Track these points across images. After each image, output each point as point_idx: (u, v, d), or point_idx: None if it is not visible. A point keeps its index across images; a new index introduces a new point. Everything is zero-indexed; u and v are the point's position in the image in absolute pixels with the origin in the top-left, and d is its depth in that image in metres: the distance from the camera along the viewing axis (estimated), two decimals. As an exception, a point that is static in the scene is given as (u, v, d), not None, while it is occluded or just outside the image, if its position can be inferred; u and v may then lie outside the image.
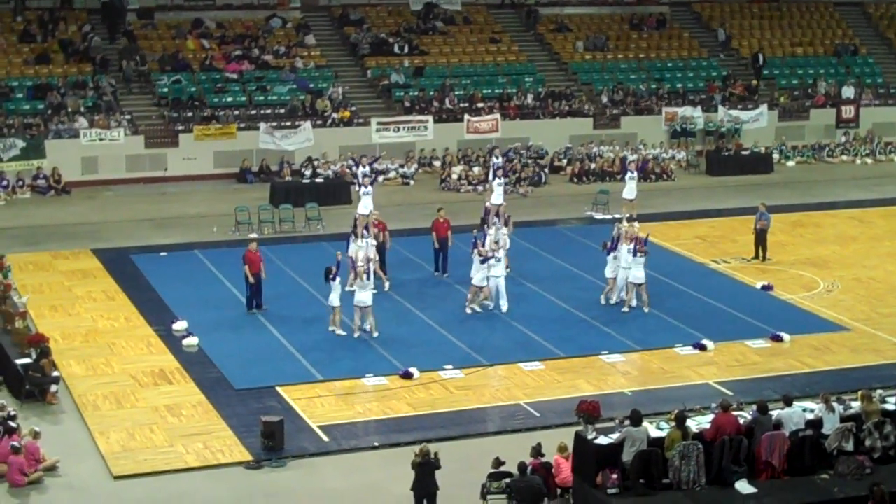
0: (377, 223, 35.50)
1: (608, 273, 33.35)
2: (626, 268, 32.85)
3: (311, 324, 31.92)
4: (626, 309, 33.01)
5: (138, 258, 37.92)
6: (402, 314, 32.68)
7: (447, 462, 21.67)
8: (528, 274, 35.74)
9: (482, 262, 32.63)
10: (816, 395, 24.43)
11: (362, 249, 32.96)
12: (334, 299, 31.01)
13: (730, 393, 27.01)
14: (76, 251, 38.62)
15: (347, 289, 32.10)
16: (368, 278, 31.02)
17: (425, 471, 21.23)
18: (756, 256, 38.21)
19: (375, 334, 30.90)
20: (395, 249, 36.46)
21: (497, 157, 38.78)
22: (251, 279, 32.76)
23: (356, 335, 30.83)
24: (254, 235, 39.29)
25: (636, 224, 34.69)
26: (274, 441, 24.43)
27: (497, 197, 37.06)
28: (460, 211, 39.24)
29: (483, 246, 33.06)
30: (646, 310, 32.97)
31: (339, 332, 31.10)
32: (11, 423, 24.28)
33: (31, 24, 52.51)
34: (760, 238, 38.25)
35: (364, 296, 30.81)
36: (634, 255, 32.55)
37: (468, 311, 32.85)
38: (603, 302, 33.46)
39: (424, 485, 21.25)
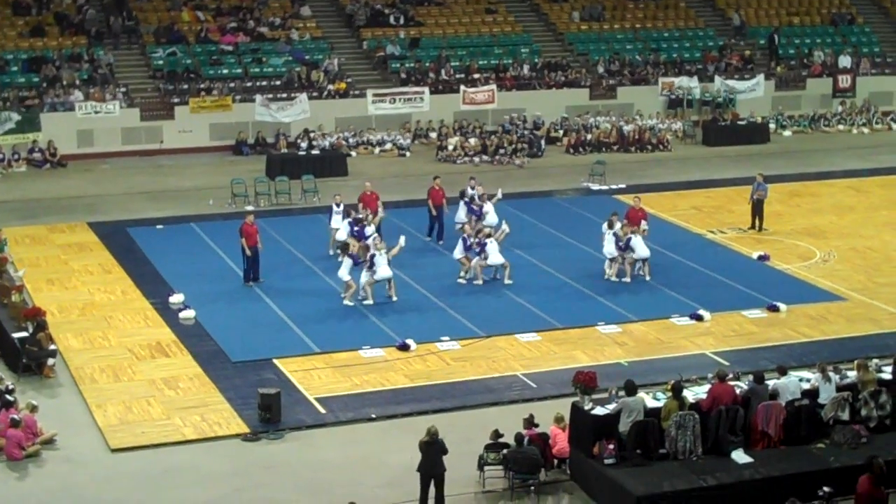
0: (371, 193, 35.55)
1: (613, 252, 33.29)
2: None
3: (307, 296, 31.93)
4: (627, 279, 33.11)
5: (134, 231, 37.90)
6: (398, 286, 32.59)
7: (444, 433, 21.69)
8: (524, 245, 35.71)
9: (466, 247, 32.80)
10: (813, 365, 24.56)
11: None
12: (344, 274, 31.14)
13: (726, 363, 27.02)
14: (72, 224, 38.60)
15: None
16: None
17: (432, 451, 21.09)
18: (753, 226, 38.21)
19: (395, 298, 31.39)
20: (390, 221, 36.42)
21: (473, 189, 36.68)
22: (248, 251, 32.76)
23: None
24: (250, 208, 39.30)
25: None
26: (271, 413, 24.45)
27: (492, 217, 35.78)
28: (456, 182, 39.16)
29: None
30: (647, 278, 33.09)
31: (348, 302, 31.29)
32: (9, 397, 24.32)
33: (26, -4, 52.39)
34: (757, 208, 38.23)
35: (385, 270, 31.11)
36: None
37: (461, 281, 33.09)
38: (616, 279, 33.35)
39: (431, 465, 21.06)
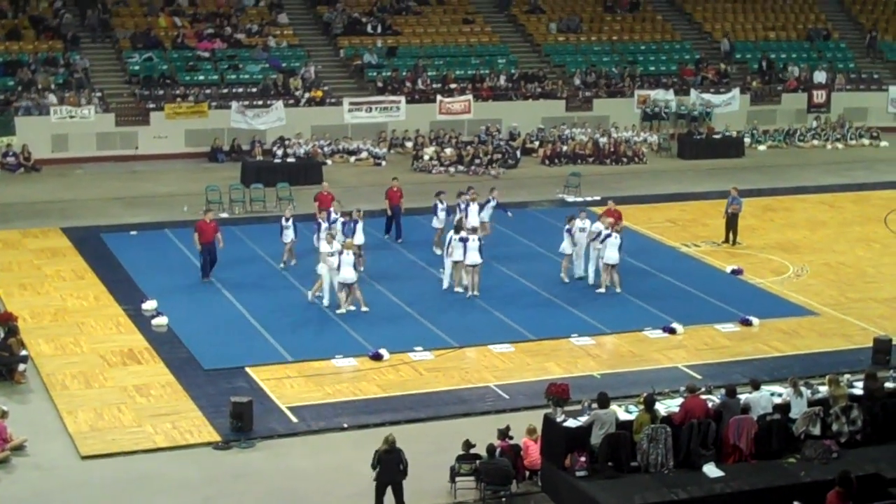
0: (327, 193, 36.87)
1: (567, 249, 33.80)
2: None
3: (281, 304, 31.85)
4: (601, 290, 33.12)
5: (108, 237, 37.76)
6: (372, 295, 32.60)
7: (416, 443, 21.65)
8: (499, 256, 35.72)
9: (460, 239, 32.71)
10: (785, 380, 24.57)
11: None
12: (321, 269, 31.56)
13: (699, 377, 27.06)
14: (45, 229, 38.45)
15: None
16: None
17: (391, 459, 20.98)
18: (727, 240, 38.31)
19: (365, 308, 31.29)
20: (366, 231, 36.31)
21: (442, 203, 36.39)
22: (198, 247, 33.24)
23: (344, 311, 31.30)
24: (224, 215, 39.23)
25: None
26: (243, 422, 24.37)
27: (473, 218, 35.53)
28: (432, 192, 39.11)
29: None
30: (618, 290, 33.08)
31: (313, 300, 31.73)
32: (-21, 402, 24.20)
33: (2, 0, 52.16)
34: (732, 222, 38.33)
35: (348, 272, 31.04)
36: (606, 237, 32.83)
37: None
38: (566, 280, 33.69)
39: (389, 473, 20.97)
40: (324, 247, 31.78)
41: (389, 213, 37.73)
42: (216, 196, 41.04)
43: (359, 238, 33.53)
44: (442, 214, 36.20)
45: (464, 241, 32.53)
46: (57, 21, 51.60)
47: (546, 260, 36.05)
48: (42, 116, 47.27)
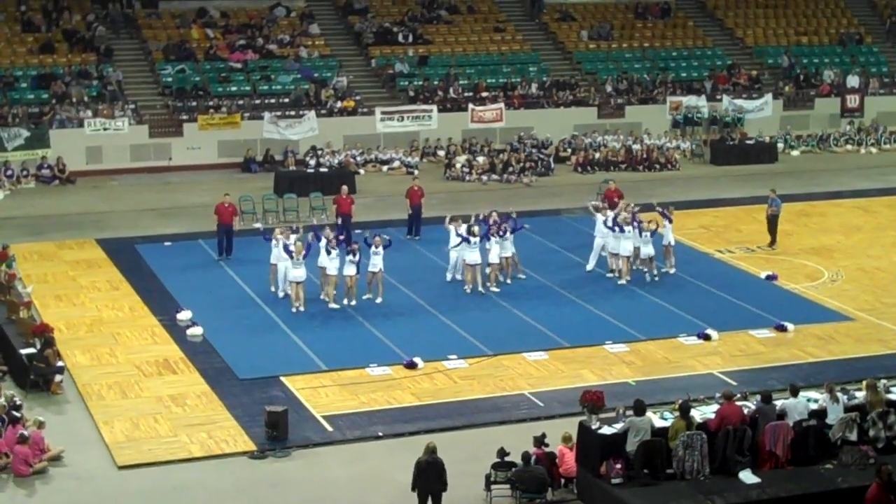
0: (346, 197, 37.60)
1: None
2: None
3: (315, 314, 31.91)
4: (648, 278, 34.50)
5: (143, 248, 37.94)
6: (407, 304, 32.67)
7: (451, 451, 21.65)
8: (532, 263, 35.70)
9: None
10: (820, 385, 24.44)
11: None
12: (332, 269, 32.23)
13: (734, 383, 27.00)
14: (80, 241, 38.65)
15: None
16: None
17: (432, 470, 20.93)
18: (772, 243, 38.21)
19: (302, 308, 31.97)
20: (399, 239, 36.41)
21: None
22: (217, 227, 35.90)
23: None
24: (258, 225, 39.31)
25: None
26: (278, 431, 24.43)
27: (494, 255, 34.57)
28: (466, 201, 39.24)
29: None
30: (620, 281, 34.36)
31: (333, 304, 32.34)
32: (16, 413, 24.31)
33: (35, 13, 52.52)
34: (772, 224, 38.22)
35: (299, 272, 31.87)
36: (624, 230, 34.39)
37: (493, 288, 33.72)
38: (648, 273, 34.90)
39: (430, 482, 20.94)
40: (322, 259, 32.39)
41: (410, 212, 38.37)
42: (249, 206, 41.18)
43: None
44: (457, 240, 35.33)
45: (465, 240, 33.19)
46: (90, 34, 51.89)
47: (580, 267, 36.00)
48: (76, 129, 47.51)
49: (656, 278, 34.61)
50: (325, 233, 32.82)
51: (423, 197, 38.42)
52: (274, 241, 32.74)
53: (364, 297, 32.55)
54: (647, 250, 34.41)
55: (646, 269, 34.68)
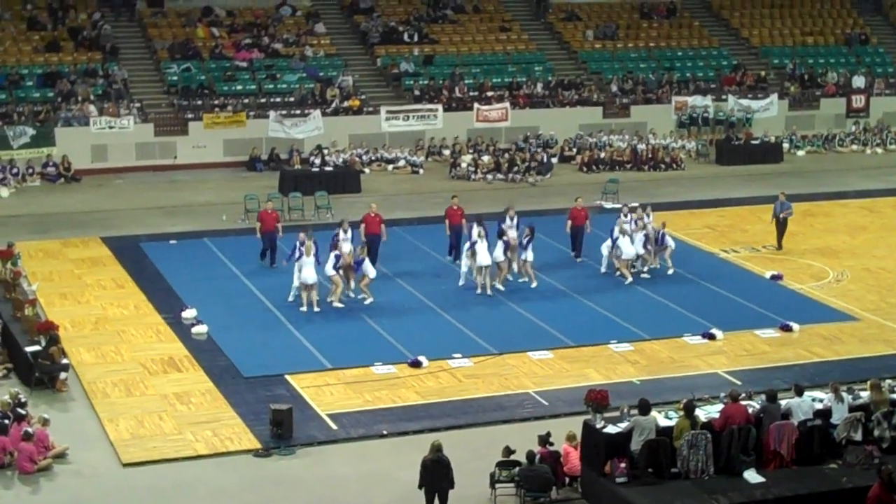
0: (375, 216, 35.21)
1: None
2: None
3: (320, 313, 31.91)
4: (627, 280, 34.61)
5: (148, 246, 37.96)
6: (410, 302, 32.68)
7: (456, 450, 21.66)
8: (537, 263, 35.61)
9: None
10: (825, 385, 24.45)
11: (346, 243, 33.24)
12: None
13: (739, 382, 26.99)
14: (86, 239, 38.67)
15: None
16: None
17: (438, 469, 20.94)
18: (780, 246, 38.16)
19: (317, 309, 31.87)
20: (404, 238, 36.42)
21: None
22: (259, 235, 35.34)
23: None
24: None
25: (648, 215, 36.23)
26: (283, 429, 24.45)
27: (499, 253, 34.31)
28: (470, 200, 39.17)
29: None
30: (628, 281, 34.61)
31: (337, 304, 32.23)
32: (21, 411, 24.34)
33: (41, 11, 52.56)
34: (782, 227, 38.17)
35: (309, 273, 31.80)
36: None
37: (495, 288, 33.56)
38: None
39: (436, 481, 20.94)
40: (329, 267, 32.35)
41: (449, 232, 36.04)
42: (255, 205, 41.14)
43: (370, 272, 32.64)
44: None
45: (473, 243, 33.27)
46: (96, 32, 51.92)
47: (585, 266, 36.01)
48: (82, 127, 47.55)
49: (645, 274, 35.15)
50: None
51: (463, 217, 35.92)
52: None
53: (359, 297, 32.65)
54: (638, 249, 35.01)
55: (644, 268, 35.24)
